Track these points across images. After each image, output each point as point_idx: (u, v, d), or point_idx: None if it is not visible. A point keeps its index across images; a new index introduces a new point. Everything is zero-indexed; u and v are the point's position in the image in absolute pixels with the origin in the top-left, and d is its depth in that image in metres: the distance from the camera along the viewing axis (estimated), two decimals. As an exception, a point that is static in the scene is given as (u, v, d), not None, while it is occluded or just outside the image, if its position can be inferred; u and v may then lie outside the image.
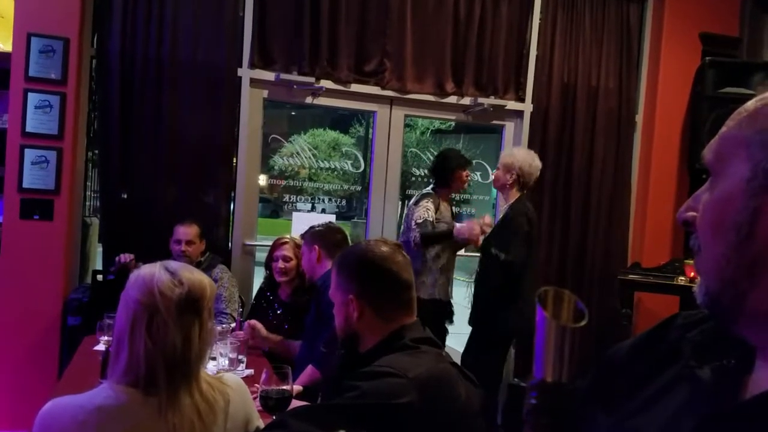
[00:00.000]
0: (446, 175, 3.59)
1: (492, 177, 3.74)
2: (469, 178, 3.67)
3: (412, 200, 3.67)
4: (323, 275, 2.68)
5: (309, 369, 2.51)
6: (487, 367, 3.26)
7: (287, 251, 3.16)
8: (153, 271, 1.37)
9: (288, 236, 3.29)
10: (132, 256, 3.30)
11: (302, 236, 2.96)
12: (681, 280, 3.81)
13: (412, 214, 3.50)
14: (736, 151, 0.58)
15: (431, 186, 3.68)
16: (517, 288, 3.23)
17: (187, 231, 3.34)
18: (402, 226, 3.78)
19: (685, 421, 0.62)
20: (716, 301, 0.59)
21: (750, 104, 0.60)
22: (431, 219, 3.44)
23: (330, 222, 2.97)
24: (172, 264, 1.41)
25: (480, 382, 1.60)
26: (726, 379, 0.62)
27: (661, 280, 3.91)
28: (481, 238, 3.37)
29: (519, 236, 3.26)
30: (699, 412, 0.61)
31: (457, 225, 3.43)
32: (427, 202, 3.51)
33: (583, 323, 0.55)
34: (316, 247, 2.80)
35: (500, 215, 3.49)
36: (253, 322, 2.87)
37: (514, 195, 3.40)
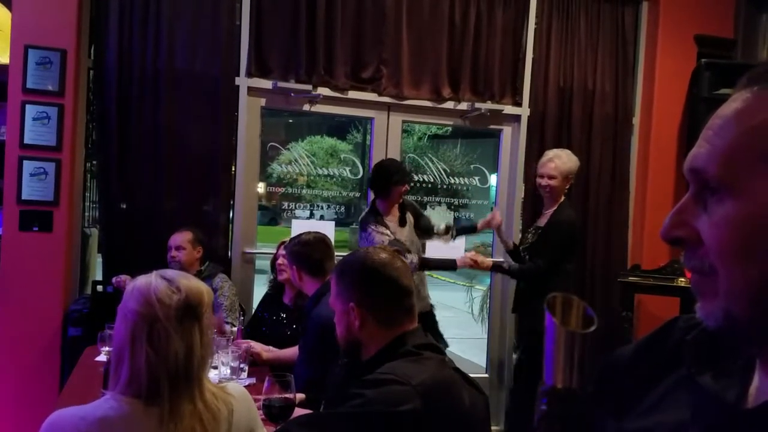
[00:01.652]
0: (384, 188, 3.49)
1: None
2: (407, 190, 3.59)
3: (360, 227, 3.57)
4: (310, 299, 2.54)
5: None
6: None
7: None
8: (149, 280, 1.37)
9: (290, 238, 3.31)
10: (128, 277, 3.33)
11: (284, 248, 2.80)
12: (681, 281, 3.81)
13: (367, 242, 3.39)
14: (755, 166, 0.55)
15: (373, 199, 3.60)
16: (549, 286, 3.25)
17: (177, 237, 3.35)
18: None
19: (689, 428, 0.62)
20: (743, 324, 0.56)
21: (746, 107, 0.56)
22: (393, 238, 3.41)
23: (309, 232, 2.72)
24: (168, 272, 1.41)
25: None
26: (727, 386, 0.61)
27: (661, 281, 3.91)
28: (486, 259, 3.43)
29: (559, 246, 3.33)
30: (702, 420, 0.61)
31: (459, 258, 3.48)
32: (373, 228, 3.41)
33: (592, 329, 0.54)
34: (295, 268, 2.61)
35: (544, 221, 3.49)
36: (252, 349, 2.73)
37: (559, 200, 3.44)
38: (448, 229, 3.68)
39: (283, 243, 3.26)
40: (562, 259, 3.36)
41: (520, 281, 3.55)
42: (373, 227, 3.42)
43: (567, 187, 3.44)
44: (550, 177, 3.42)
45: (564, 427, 0.54)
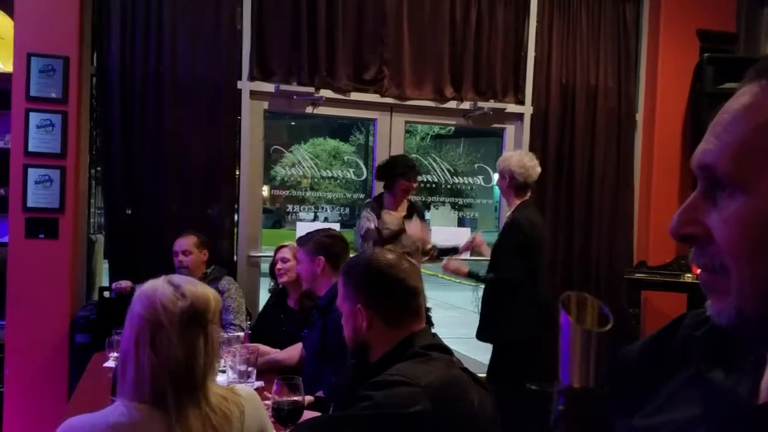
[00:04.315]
0: (388, 181, 3.55)
1: (496, 179, 3.72)
2: (412, 188, 3.59)
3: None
4: (327, 293, 2.54)
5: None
6: (509, 378, 3.22)
7: (285, 253, 3.20)
8: (156, 285, 1.37)
9: (287, 242, 3.32)
10: (130, 283, 3.34)
11: (300, 242, 2.77)
12: (687, 277, 3.80)
13: (359, 227, 3.50)
14: (767, 162, 0.54)
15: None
16: (516, 299, 3.20)
17: (182, 242, 3.36)
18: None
19: (700, 425, 0.61)
20: (755, 322, 0.56)
21: (755, 102, 0.56)
22: (373, 227, 3.43)
23: (330, 229, 2.83)
24: (176, 278, 1.41)
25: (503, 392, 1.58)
26: (739, 382, 0.61)
27: (667, 278, 3.90)
28: (431, 243, 3.44)
29: (510, 251, 3.21)
30: (714, 415, 0.61)
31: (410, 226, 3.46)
32: (367, 212, 3.52)
33: (608, 327, 0.54)
34: (322, 259, 2.58)
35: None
36: (261, 352, 2.74)
37: (515, 201, 3.34)
38: (431, 250, 3.65)
39: (281, 247, 3.26)
40: (521, 268, 3.19)
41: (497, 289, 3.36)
42: (365, 212, 3.50)
43: (506, 186, 3.30)
44: (500, 177, 3.38)
45: (582, 427, 0.54)
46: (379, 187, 4.10)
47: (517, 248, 3.21)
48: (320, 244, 2.62)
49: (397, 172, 3.51)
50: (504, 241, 3.27)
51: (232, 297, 3.30)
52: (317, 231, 2.76)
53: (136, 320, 1.34)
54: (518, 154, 3.42)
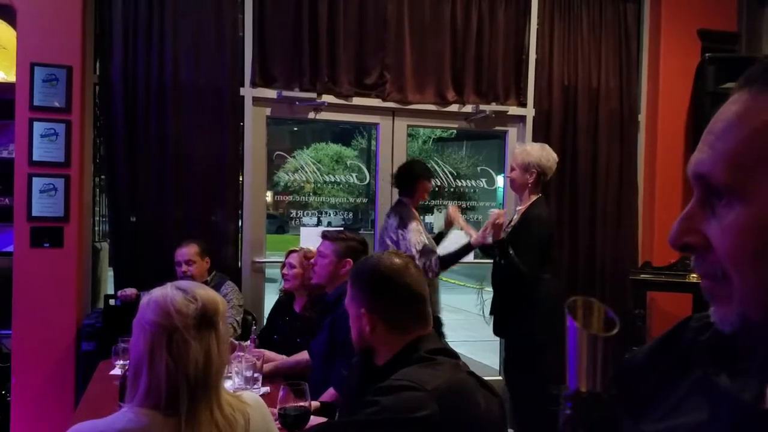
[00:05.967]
0: (410, 185, 3.47)
1: (500, 181, 3.69)
2: (430, 189, 3.58)
3: (392, 219, 3.45)
4: (335, 290, 2.59)
5: (330, 391, 2.46)
6: (526, 381, 3.18)
7: (293, 259, 3.20)
8: (165, 291, 1.38)
9: (299, 247, 3.32)
10: (135, 290, 3.36)
11: (330, 237, 2.73)
12: (693, 277, 3.78)
13: (403, 239, 3.34)
14: (761, 169, 0.55)
15: (398, 198, 3.55)
16: (532, 297, 3.17)
17: (184, 251, 3.37)
18: (380, 245, 3.57)
19: (707, 429, 0.61)
20: (759, 327, 0.56)
21: (745, 109, 0.56)
22: (428, 241, 3.34)
23: (360, 234, 2.83)
24: (182, 283, 1.43)
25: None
26: (744, 386, 0.61)
27: (672, 278, 3.88)
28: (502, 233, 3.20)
29: (534, 245, 3.12)
30: (720, 420, 0.61)
31: (473, 238, 3.27)
32: (416, 225, 3.37)
33: (614, 332, 0.54)
34: (350, 262, 2.56)
35: (516, 218, 3.33)
36: (267, 358, 2.75)
37: (532, 197, 3.24)
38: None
39: (291, 251, 3.27)
40: (540, 265, 3.15)
41: (503, 277, 3.30)
42: (414, 224, 3.36)
43: (532, 181, 3.21)
44: (511, 169, 3.31)
45: (589, 431, 0.54)
46: (382, 192, 4.11)
47: (540, 244, 3.15)
48: (352, 250, 2.66)
49: (418, 175, 3.47)
50: (528, 236, 3.16)
51: (229, 300, 3.31)
52: (350, 232, 2.81)
53: (148, 327, 1.34)
54: (540, 147, 3.31)
